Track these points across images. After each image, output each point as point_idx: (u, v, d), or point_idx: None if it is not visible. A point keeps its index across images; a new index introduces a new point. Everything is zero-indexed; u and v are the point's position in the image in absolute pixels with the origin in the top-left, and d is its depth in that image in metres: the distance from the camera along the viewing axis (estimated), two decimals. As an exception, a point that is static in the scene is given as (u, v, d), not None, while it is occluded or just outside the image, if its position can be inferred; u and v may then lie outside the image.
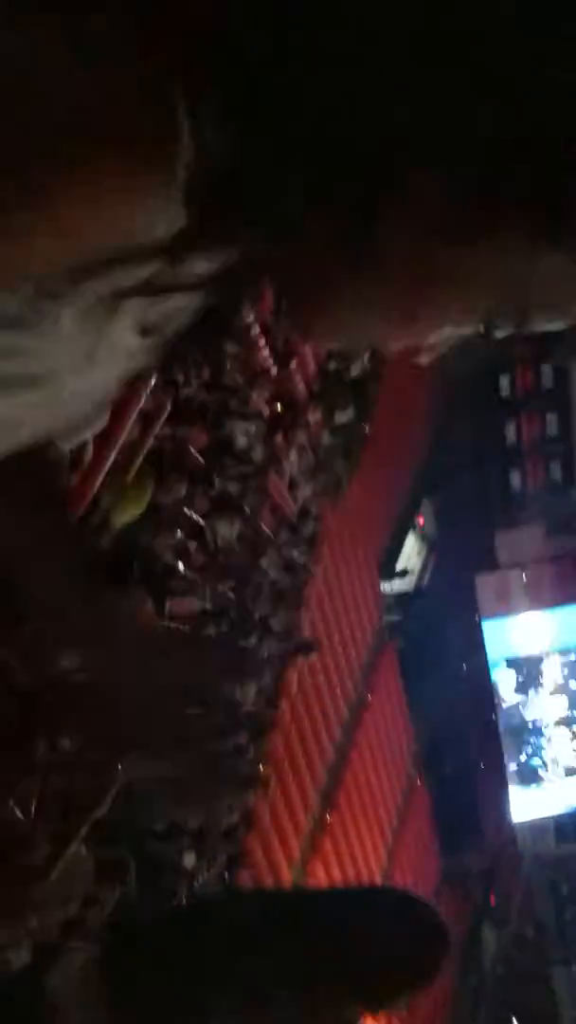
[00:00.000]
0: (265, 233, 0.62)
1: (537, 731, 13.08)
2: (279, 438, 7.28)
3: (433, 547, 12.36)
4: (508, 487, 12.53)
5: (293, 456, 7.88)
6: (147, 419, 3.70)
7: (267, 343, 5.94)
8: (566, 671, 12.94)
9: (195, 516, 5.73)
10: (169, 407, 3.71)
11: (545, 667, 13.00)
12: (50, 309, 0.59)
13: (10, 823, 3.84)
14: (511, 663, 12.86)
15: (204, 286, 0.66)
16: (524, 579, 12.51)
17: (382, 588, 11.22)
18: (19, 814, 3.90)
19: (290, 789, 8.50)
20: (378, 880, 10.00)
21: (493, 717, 12.81)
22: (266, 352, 6.02)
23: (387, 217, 0.61)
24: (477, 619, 12.58)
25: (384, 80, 0.57)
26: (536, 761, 13.03)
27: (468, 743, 12.61)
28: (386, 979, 1.76)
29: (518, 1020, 13.05)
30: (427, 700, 11.76)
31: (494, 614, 12.60)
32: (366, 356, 8.27)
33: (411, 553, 11.88)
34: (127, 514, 4.19)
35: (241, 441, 6.40)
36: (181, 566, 5.43)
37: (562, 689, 13.01)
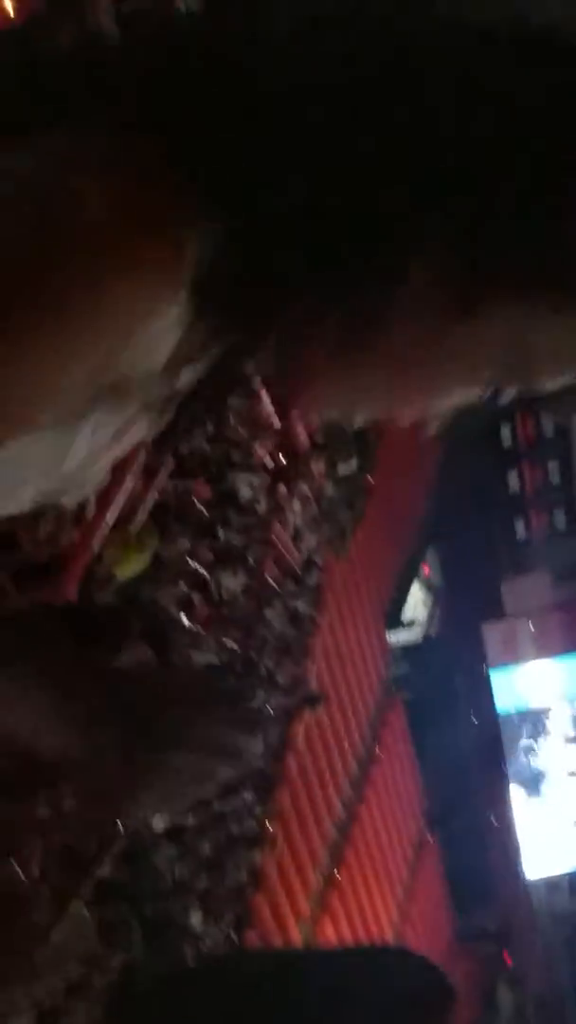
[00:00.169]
0: (266, 332, 0.64)
1: (549, 783, 12.88)
2: (282, 489, 7.30)
3: (439, 597, 12.30)
4: (513, 535, 12.54)
5: (296, 507, 7.89)
6: (149, 473, 3.72)
7: (269, 395, 6.00)
8: (573, 719, 12.80)
9: (199, 568, 5.72)
10: (172, 461, 3.73)
11: (555, 717, 12.84)
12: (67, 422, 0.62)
13: (10, 882, 3.78)
14: (520, 714, 12.72)
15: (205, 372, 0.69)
16: (531, 627, 12.43)
17: (388, 639, 11.14)
18: (20, 873, 3.83)
19: (298, 845, 8.35)
20: (389, 939, 9.77)
21: (503, 769, 12.62)
22: (268, 404, 6.07)
23: (385, 304, 0.63)
24: (485, 669, 12.48)
25: (373, 175, 0.59)
26: (548, 814, 12.81)
27: (479, 797, 12.42)
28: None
29: None
30: (436, 753, 11.61)
31: (502, 663, 12.50)
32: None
33: (417, 603, 11.83)
34: (130, 568, 4.19)
35: (244, 493, 6.42)
36: (184, 619, 5.40)
37: (573, 739, 12.84)
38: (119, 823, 4.28)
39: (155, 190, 0.56)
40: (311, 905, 8.48)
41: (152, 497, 3.85)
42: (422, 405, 0.72)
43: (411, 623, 11.59)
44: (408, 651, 11.68)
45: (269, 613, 7.48)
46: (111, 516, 3.17)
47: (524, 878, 12.68)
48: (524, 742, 12.82)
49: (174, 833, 5.59)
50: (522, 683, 12.65)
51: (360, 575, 10.07)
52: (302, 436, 7.34)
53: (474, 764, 12.35)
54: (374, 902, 9.88)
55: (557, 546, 12.41)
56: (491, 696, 12.51)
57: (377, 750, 10.32)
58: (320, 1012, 1.70)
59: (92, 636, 2.91)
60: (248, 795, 7.05)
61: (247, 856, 7.04)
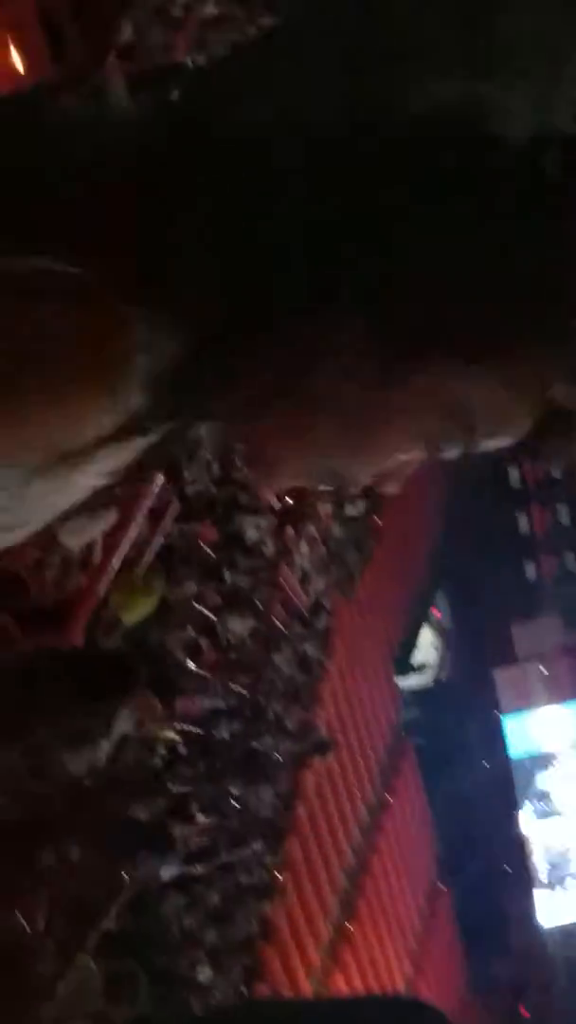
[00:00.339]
0: (213, 404, 0.70)
1: (564, 829, 12.67)
2: (289, 531, 7.30)
3: (449, 640, 12.23)
4: (523, 577, 12.49)
5: (304, 549, 7.88)
6: (155, 517, 3.72)
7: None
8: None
9: (206, 612, 5.70)
10: (177, 505, 3.74)
11: (567, 763, 12.67)
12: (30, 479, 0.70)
13: (16, 934, 3.71)
14: (533, 759, 12.55)
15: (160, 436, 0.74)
16: (543, 672, 12.32)
17: (399, 683, 11.05)
18: (25, 925, 3.76)
19: (308, 895, 8.20)
20: (402, 991, 9.54)
21: (516, 815, 12.43)
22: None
23: (322, 367, 0.66)
24: (497, 714, 12.35)
25: (312, 248, 0.65)
26: (563, 860, 12.58)
27: (491, 844, 12.21)
28: None
29: None
30: (448, 799, 11.44)
31: (514, 708, 12.37)
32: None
33: (427, 646, 11.75)
34: (137, 612, 4.17)
35: (251, 535, 6.42)
36: (191, 664, 5.37)
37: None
38: (125, 874, 4.22)
39: (107, 317, 0.63)
40: (322, 957, 8.31)
41: (158, 541, 3.85)
42: (374, 461, 0.73)
43: (421, 667, 11.50)
44: (419, 695, 11.57)
45: (277, 658, 7.43)
46: (117, 561, 3.16)
47: (539, 926, 12.43)
48: (537, 788, 12.63)
49: (182, 883, 5.50)
50: (534, 729, 12.51)
51: (369, 618, 10.02)
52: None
53: (487, 810, 12.16)
54: (386, 953, 9.66)
55: (567, 589, 12.35)
56: (503, 742, 12.37)
57: (388, 797, 10.17)
58: None
59: (97, 683, 2.89)
60: (257, 844, 6.95)
61: (256, 906, 6.91)
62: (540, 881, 12.54)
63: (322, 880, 8.54)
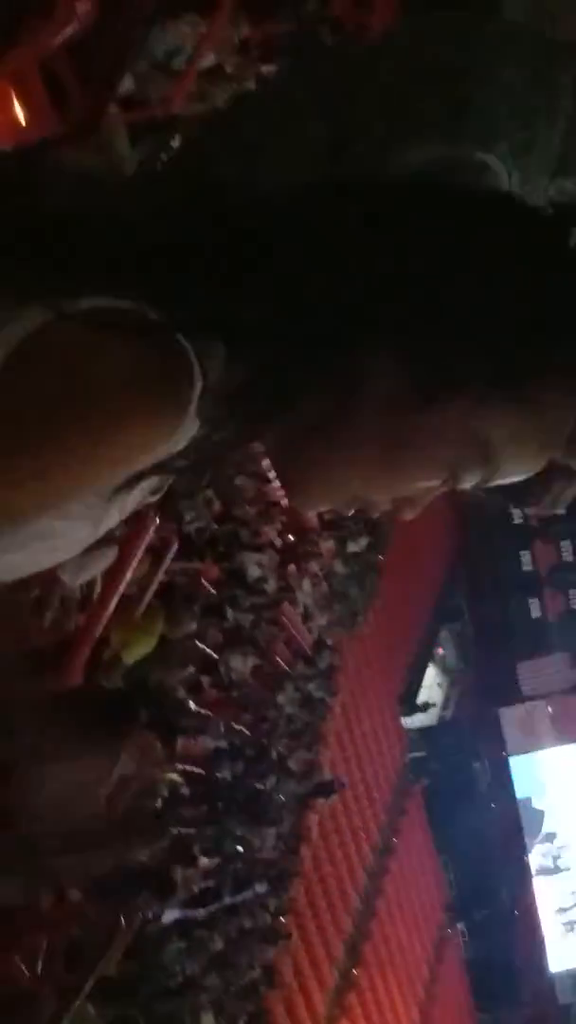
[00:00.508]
0: (262, 429, 0.76)
1: (572, 871, 12.49)
2: (292, 568, 7.29)
3: (455, 678, 12.15)
4: (527, 615, 12.44)
5: (307, 586, 7.86)
6: (156, 555, 3.73)
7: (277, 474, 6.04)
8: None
9: (208, 650, 5.68)
10: (176, 543, 3.76)
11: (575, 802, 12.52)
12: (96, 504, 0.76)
13: (14, 980, 3.66)
14: (540, 800, 12.41)
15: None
16: (550, 711, 12.23)
17: (404, 723, 10.97)
18: (23, 969, 3.71)
19: (313, 940, 8.07)
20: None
21: (525, 858, 12.25)
22: (276, 483, 6.11)
23: (360, 397, 0.73)
24: (504, 754, 12.24)
25: (351, 297, 0.72)
26: (573, 905, 12.38)
27: (500, 888, 12.03)
28: None
29: None
30: (455, 842, 11.30)
31: (520, 749, 12.26)
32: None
33: (432, 685, 11.67)
34: (137, 651, 4.16)
35: (253, 572, 6.41)
36: (192, 704, 5.34)
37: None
38: (124, 918, 4.17)
39: (160, 359, 0.67)
40: (328, 1004, 8.15)
41: (159, 579, 3.85)
42: (399, 486, 0.78)
43: (427, 706, 11.41)
44: (424, 735, 11.47)
45: (280, 697, 7.38)
46: (117, 600, 3.16)
47: (548, 971, 12.20)
48: (545, 830, 12.47)
49: (184, 927, 5.43)
50: (541, 768, 12.37)
51: (373, 656, 9.97)
52: (311, 513, 7.37)
53: (495, 852, 11.99)
54: (394, 1001, 9.47)
55: (573, 627, 12.28)
56: (510, 782, 12.23)
57: (395, 840, 10.05)
58: None
59: (97, 724, 2.88)
60: (261, 887, 6.86)
61: (260, 951, 6.80)
62: (549, 925, 12.33)
63: (327, 924, 8.41)
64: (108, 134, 2.53)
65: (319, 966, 8.10)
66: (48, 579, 3.07)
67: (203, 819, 5.83)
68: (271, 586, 6.73)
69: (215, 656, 5.81)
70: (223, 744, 6.25)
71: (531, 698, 12.33)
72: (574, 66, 0.99)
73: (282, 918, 7.35)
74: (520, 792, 12.36)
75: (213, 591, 5.63)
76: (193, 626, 5.01)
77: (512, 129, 0.93)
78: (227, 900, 6.24)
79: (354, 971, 8.70)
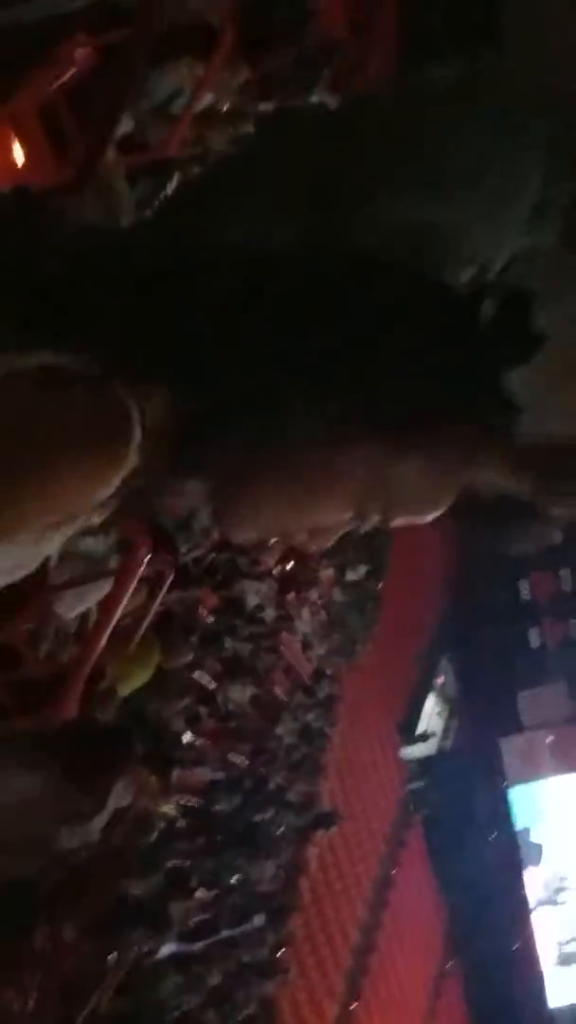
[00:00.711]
0: (196, 466, 0.84)
1: (571, 904, 12.35)
2: (290, 597, 7.29)
3: (454, 707, 12.09)
4: (527, 645, 12.40)
5: (306, 615, 7.85)
6: (152, 586, 3.74)
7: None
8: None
9: (205, 680, 5.66)
10: (172, 574, 3.77)
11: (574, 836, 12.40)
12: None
13: (7, 1015, 3.62)
14: (540, 833, 12.30)
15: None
16: (550, 741, 12.15)
17: (403, 753, 10.90)
18: (16, 1006, 3.67)
19: (312, 975, 7.97)
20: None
21: (524, 890, 12.13)
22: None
23: (281, 433, 0.81)
24: (503, 784, 12.14)
25: (278, 357, 0.80)
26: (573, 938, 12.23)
27: (499, 920, 11.90)
28: None
29: None
30: (455, 874, 11.19)
31: (520, 779, 12.17)
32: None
33: (432, 714, 11.61)
34: (133, 682, 4.16)
35: (252, 601, 6.41)
36: (189, 735, 5.32)
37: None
38: (119, 952, 4.13)
39: (113, 401, 0.76)
40: (327, 1041, 8.04)
41: (155, 609, 3.86)
42: (307, 522, 0.86)
43: (426, 736, 11.34)
44: (424, 765, 11.39)
45: (279, 727, 7.35)
46: (112, 631, 3.17)
47: (548, 1006, 12.04)
48: (545, 860, 12.35)
49: (180, 961, 5.37)
50: (542, 799, 12.28)
51: (373, 686, 9.93)
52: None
53: (494, 884, 11.87)
54: (393, 1037, 9.35)
55: (572, 656, 12.23)
56: (510, 812, 12.13)
57: (394, 871, 9.95)
58: None
59: (92, 757, 2.87)
60: (259, 921, 6.79)
61: (258, 986, 6.71)
62: (549, 958, 12.18)
63: (326, 958, 8.31)
64: (107, 177, 2.58)
65: (318, 1000, 7.99)
66: (43, 611, 3.08)
67: (200, 851, 5.78)
68: (269, 615, 6.73)
69: (213, 685, 5.80)
70: (221, 776, 6.22)
71: (531, 728, 12.26)
72: (547, 118, 1.01)
73: (281, 952, 7.26)
74: (520, 823, 12.25)
75: (211, 620, 5.63)
76: (190, 656, 5.01)
77: (485, 186, 0.96)
78: (224, 933, 6.17)
79: (353, 1005, 8.58)
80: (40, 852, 2.97)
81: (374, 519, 0.85)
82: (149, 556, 2.96)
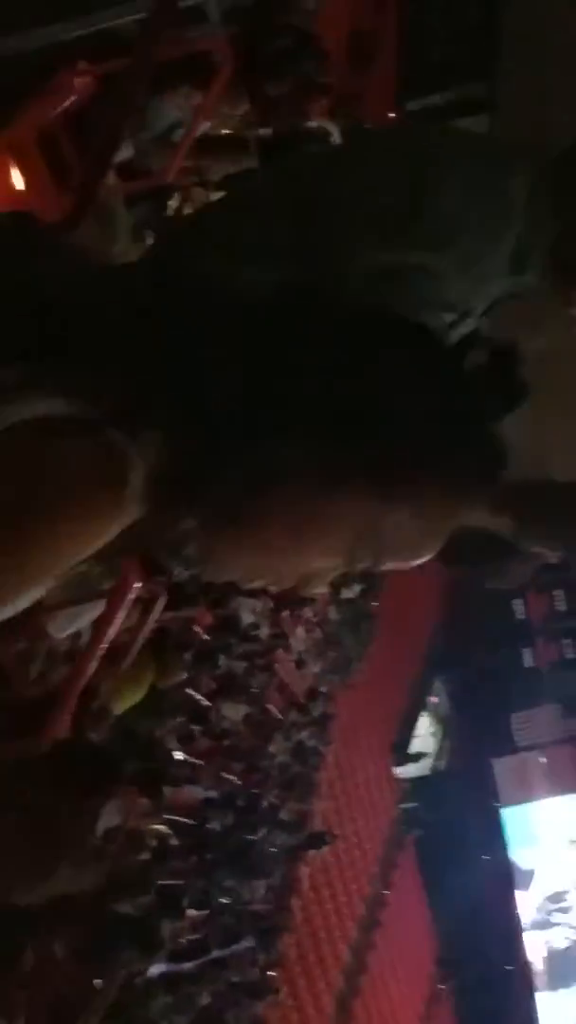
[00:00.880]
0: (186, 511, 0.85)
1: (568, 928, 12.30)
2: (285, 615, 7.29)
3: (448, 727, 12.07)
4: (520, 665, 12.39)
5: (300, 633, 7.85)
6: (145, 606, 3.75)
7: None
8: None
9: (199, 698, 5.66)
10: (165, 595, 3.78)
11: (570, 857, 12.36)
12: None
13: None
14: (534, 850, 12.26)
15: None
16: (543, 762, 12.13)
17: (397, 773, 10.87)
18: (5, 1027, 3.65)
19: (303, 996, 7.92)
20: None
21: (517, 912, 12.07)
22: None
23: (274, 478, 0.82)
24: (496, 805, 12.11)
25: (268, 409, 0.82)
26: (565, 960, 12.16)
27: (491, 942, 11.83)
28: None
29: None
30: (448, 894, 11.14)
31: (513, 800, 12.14)
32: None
33: (425, 734, 11.59)
34: (126, 701, 4.16)
35: (247, 618, 6.41)
36: (181, 754, 5.31)
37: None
38: (110, 972, 4.11)
39: (110, 450, 0.78)
40: (317, 1063, 7.98)
41: (147, 630, 3.87)
42: (296, 567, 0.86)
43: (420, 756, 11.33)
44: (417, 785, 11.36)
45: (272, 746, 7.34)
46: (105, 650, 3.17)
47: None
48: (537, 882, 12.30)
49: (170, 981, 5.34)
50: (534, 820, 12.24)
51: (367, 705, 9.92)
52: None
53: (487, 905, 11.82)
54: (384, 1059, 9.28)
55: (566, 677, 12.23)
56: (503, 834, 12.09)
57: (386, 892, 9.91)
58: None
59: (83, 778, 2.87)
60: (250, 941, 6.75)
61: (249, 1007, 6.67)
62: (541, 980, 12.11)
63: (317, 979, 8.27)
64: (106, 200, 2.62)
65: (308, 1022, 7.94)
66: (35, 631, 3.09)
67: (192, 871, 5.76)
68: (264, 633, 6.73)
69: (207, 704, 5.79)
70: (213, 794, 6.20)
71: (524, 748, 12.24)
72: (526, 171, 1.05)
73: (271, 972, 7.22)
74: (512, 844, 12.21)
75: (206, 638, 5.63)
76: (183, 675, 5.01)
77: (464, 237, 0.99)
78: (215, 953, 6.14)
79: (344, 1028, 8.54)
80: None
81: (363, 565, 0.86)
82: (141, 581, 2.97)
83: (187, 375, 0.81)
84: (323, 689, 8.68)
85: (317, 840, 8.24)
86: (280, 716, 7.65)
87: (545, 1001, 12.09)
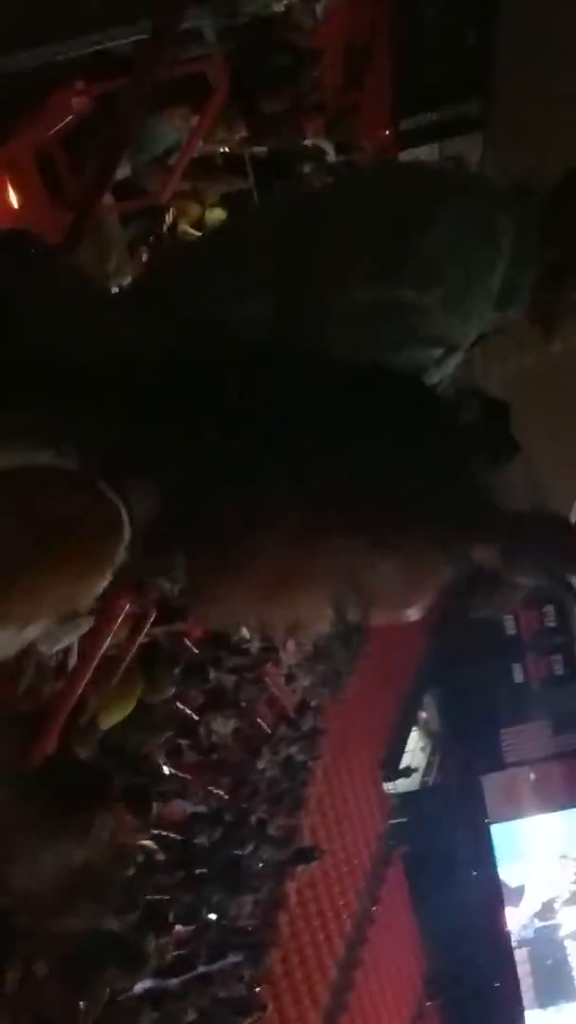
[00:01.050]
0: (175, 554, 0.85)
1: (555, 945, 12.25)
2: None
3: (438, 743, 12.05)
4: (510, 680, 12.38)
5: (291, 646, 7.84)
6: (135, 623, 3.75)
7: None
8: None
9: (188, 711, 5.64)
10: (155, 613, 3.78)
11: (558, 874, 12.33)
12: None
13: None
14: (522, 866, 12.23)
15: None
16: (532, 778, 12.11)
17: (386, 787, 10.85)
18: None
19: (289, 1012, 7.88)
20: None
21: (506, 930, 12.03)
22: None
23: (261, 530, 0.82)
24: (485, 821, 12.08)
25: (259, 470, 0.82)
26: (555, 978, 12.11)
27: (481, 959, 11.78)
28: None
29: None
30: (436, 911, 11.10)
31: (502, 817, 12.11)
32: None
33: (415, 749, 11.58)
34: (115, 716, 4.14)
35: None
36: (167, 768, 5.29)
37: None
38: (95, 988, 4.09)
39: (102, 502, 0.78)
40: None
41: (136, 646, 3.86)
42: (283, 616, 0.87)
43: (409, 771, 11.31)
44: (407, 800, 11.34)
45: (261, 761, 7.32)
46: (94, 665, 3.17)
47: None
48: (526, 898, 12.26)
49: (156, 997, 5.31)
50: (523, 837, 12.20)
51: (357, 719, 9.90)
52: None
53: (475, 921, 11.77)
54: (371, 1077, 9.22)
55: (555, 693, 12.22)
56: (491, 850, 12.05)
57: (374, 908, 9.87)
58: None
59: (69, 794, 2.86)
60: (236, 956, 6.72)
61: (234, 1023, 6.64)
62: (529, 997, 12.06)
63: (304, 996, 8.22)
64: (101, 220, 2.64)
65: (295, 1040, 7.90)
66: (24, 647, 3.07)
67: (179, 885, 5.74)
68: (254, 646, 6.72)
69: (196, 718, 5.78)
70: (201, 808, 6.18)
71: (514, 764, 12.22)
72: (513, 211, 1.07)
73: (257, 988, 7.19)
74: (501, 860, 12.18)
75: (196, 651, 5.62)
76: (172, 690, 5.00)
77: (452, 275, 1.01)
78: (201, 969, 6.11)
79: (330, 1047, 8.49)
80: (8, 890, 2.94)
81: (352, 616, 0.85)
82: (131, 598, 2.97)
83: (177, 426, 0.80)
84: (313, 703, 8.66)
85: (305, 855, 8.21)
86: (269, 730, 7.63)
87: (534, 1019, 12.04)
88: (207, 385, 0.82)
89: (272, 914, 7.63)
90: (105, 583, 0.78)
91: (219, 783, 6.48)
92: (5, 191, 2.64)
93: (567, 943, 12.32)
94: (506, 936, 12.08)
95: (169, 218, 3.47)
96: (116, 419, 0.80)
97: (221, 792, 6.51)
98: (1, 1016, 3.54)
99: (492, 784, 12.12)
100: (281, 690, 7.86)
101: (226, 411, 0.81)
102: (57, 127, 2.79)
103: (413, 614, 0.89)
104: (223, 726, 6.46)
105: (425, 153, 7.59)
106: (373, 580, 0.83)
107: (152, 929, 5.04)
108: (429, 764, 11.83)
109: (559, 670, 12.33)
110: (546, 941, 12.32)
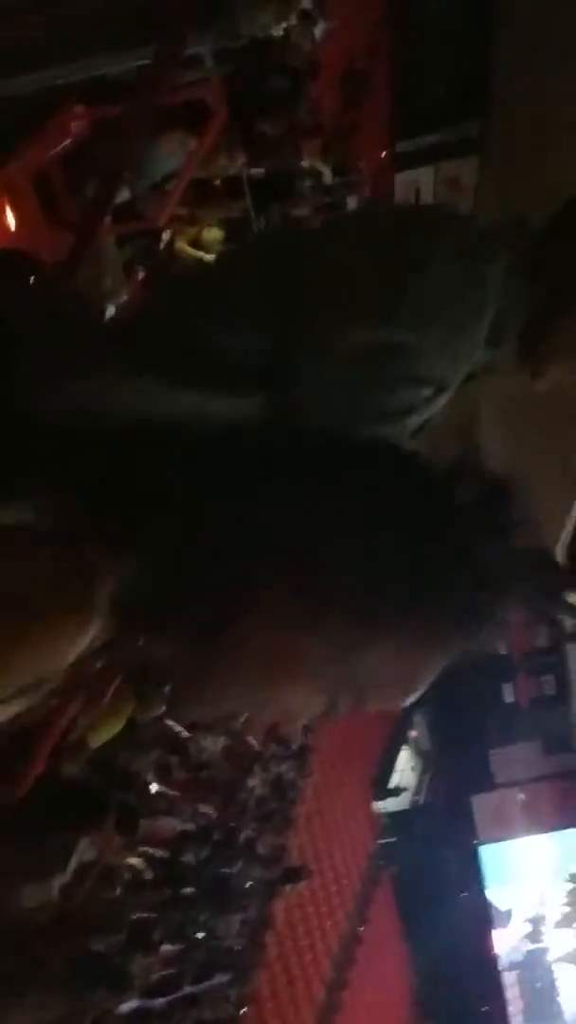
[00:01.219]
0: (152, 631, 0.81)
1: (544, 968, 12.19)
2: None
3: (428, 762, 12.02)
4: (500, 700, 12.36)
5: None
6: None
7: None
8: (567, 900, 12.20)
9: (178, 728, 5.63)
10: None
11: (547, 897, 12.28)
12: None
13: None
14: (511, 887, 12.18)
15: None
16: (522, 799, 12.07)
17: (375, 807, 10.81)
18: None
19: (275, 1035, 7.83)
20: None
21: (494, 952, 11.97)
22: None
23: (247, 614, 0.78)
24: (475, 842, 12.03)
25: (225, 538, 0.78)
26: (544, 1003, 12.04)
27: (469, 981, 11.72)
28: None
29: None
30: (424, 932, 11.05)
31: (492, 838, 12.06)
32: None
33: (405, 768, 11.54)
34: (104, 734, 4.13)
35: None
36: (156, 786, 5.27)
37: (568, 921, 12.21)
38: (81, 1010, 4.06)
39: (80, 563, 0.74)
40: None
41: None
42: (271, 706, 0.82)
43: (399, 790, 11.27)
44: (396, 820, 11.30)
45: (251, 779, 7.29)
46: (84, 684, 3.16)
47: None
48: (515, 920, 12.20)
49: (142, 1018, 5.27)
50: (512, 858, 12.16)
51: (347, 738, 9.88)
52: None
53: (464, 943, 11.71)
54: None
55: (546, 713, 12.20)
56: (480, 871, 12.00)
57: (362, 928, 9.82)
58: None
59: (57, 813, 2.84)
60: (223, 976, 6.67)
61: (220, 1045, 6.59)
62: (519, 1022, 11.99)
63: (291, 1017, 8.16)
64: (99, 241, 2.65)
65: (281, 1062, 7.84)
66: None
67: (166, 904, 5.70)
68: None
69: (185, 735, 5.76)
70: (190, 827, 6.15)
71: (503, 785, 12.19)
72: (503, 257, 1.09)
73: (244, 1009, 7.13)
74: (490, 882, 12.14)
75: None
76: (163, 708, 4.98)
77: (444, 316, 1.02)
78: (187, 989, 6.06)
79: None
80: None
81: (346, 706, 0.81)
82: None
83: (162, 495, 0.78)
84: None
85: (294, 875, 8.17)
86: (259, 748, 7.60)
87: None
88: (191, 459, 0.79)
89: (260, 934, 7.58)
90: (76, 651, 0.74)
91: (208, 801, 6.45)
92: (4, 213, 2.66)
93: (555, 967, 12.26)
94: (495, 958, 12.02)
95: (166, 237, 3.49)
96: (94, 486, 0.77)
97: (210, 810, 6.48)
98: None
99: (482, 804, 12.08)
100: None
101: (210, 487, 0.78)
102: (56, 150, 2.81)
103: (408, 701, 0.84)
104: (212, 744, 6.44)
105: (422, 175, 7.66)
106: (366, 669, 0.79)
107: (138, 948, 5.01)
108: (419, 783, 11.79)
109: (550, 690, 12.30)
110: (535, 964, 12.26)
